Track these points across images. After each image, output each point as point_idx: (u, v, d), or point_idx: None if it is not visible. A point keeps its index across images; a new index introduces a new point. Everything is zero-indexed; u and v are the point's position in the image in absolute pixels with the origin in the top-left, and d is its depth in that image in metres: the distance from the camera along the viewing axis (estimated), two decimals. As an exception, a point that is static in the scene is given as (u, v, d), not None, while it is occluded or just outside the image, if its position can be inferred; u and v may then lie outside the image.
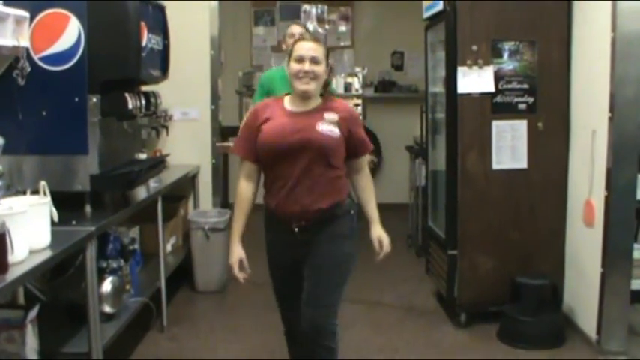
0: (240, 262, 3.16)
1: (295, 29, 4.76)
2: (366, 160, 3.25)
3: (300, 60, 3.00)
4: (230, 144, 5.27)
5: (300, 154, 2.97)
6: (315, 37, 3.20)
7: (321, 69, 3.03)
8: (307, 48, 3.02)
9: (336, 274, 3.14)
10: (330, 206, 3.05)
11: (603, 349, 4.22)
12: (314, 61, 3.00)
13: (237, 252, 3.16)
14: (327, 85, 3.18)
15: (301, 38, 3.17)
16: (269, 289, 3.39)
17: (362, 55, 8.97)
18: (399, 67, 9.12)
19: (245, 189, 3.16)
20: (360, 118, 8.17)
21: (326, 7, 9.05)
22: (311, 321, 3.10)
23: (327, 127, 2.99)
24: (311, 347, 3.13)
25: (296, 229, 3.06)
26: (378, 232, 3.29)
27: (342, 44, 9.10)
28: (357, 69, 8.64)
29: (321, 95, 3.15)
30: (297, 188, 2.99)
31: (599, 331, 4.25)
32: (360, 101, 8.42)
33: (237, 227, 3.17)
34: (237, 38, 8.75)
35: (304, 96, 3.05)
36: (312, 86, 3.01)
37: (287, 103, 3.13)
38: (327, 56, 3.09)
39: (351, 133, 3.08)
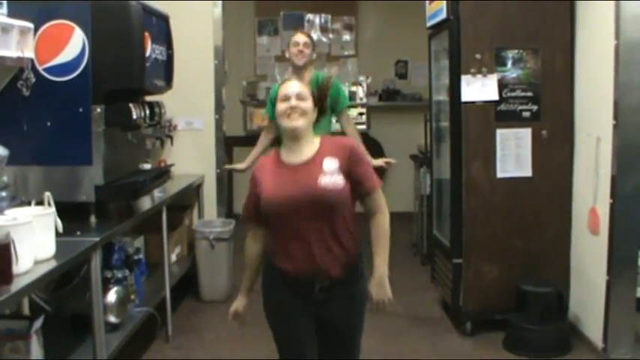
0: (236, 313, 3.16)
1: (299, 37, 4.76)
2: (380, 199, 2.94)
3: (286, 98, 2.88)
4: (237, 166, 5.28)
5: (306, 213, 2.80)
6: (299, 79, 3.10)
7: (308, 105, 2.89)
8: (291, 85, 2.92)
9: (357, 343, 3.14)
10: (349, 262, 2.91)
11: (609, 357, 4.20)
12: (300, 97, 2.87)
13: (239, 303, 3.15)
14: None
15: (286, 79, 3.06)
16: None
17: (366, 64, 8.99)
18: (402, 76, 9.13)
19: (252, 249, 3.09)
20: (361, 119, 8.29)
21: (330, 17, 9.08)
22: None
23: (330, 178, 2.81)
24: None
25: (317, 287, 2.88)
26: (375, 292, 2.96)
27: (346, 53, 9.13)
28: (361, 78, 8.67)
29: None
30: (311, 248, 2.83)
31: (605, 339, 4.23)
32: (364, 110, 8.45)
33: (246, 281, 3.15)
34: (241, 48, 8.77)
35: (295, 135, 2.88)
36: (301, 122, 2.85)
37: (283, 154, 2.96)
38: (314, 96, 2.95)
39: (354, 173, 2.88)
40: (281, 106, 2.89)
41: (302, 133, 2.89)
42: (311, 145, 2.92)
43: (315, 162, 2.87)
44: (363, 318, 3.12)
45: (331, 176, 2.81)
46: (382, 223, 2.95)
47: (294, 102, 2.86)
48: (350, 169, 2.86)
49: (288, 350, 3.10)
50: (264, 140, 5.05)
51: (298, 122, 2.86)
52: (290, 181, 2.85)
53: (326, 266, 2.85)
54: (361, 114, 8.43)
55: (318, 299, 2.91)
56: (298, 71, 4.80)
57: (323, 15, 9.08)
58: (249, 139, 8.54)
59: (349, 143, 2.97)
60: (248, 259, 3.11)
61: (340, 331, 3.03)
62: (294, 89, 2.90)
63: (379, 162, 4.95)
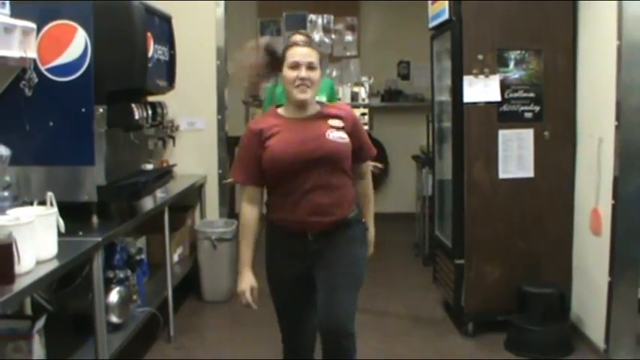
0: (252, 290, 3.02)
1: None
2: (369, 166, 3.22)
3: (296, 66, 2.87)
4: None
5: (313, 164, 2.86)
6: (308, 42, 3.00)
7: (317, 75, 2.91)
8: (303, 53, 2.89)
9: (354, 276, 3.04)
10: (345, 213, 2.98)
11: (611, 358, 4.19)
12: (310, 66, 2.87)
13: (249, 279, 3.02)
14: None
15: (295, 43, 2.98)
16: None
17: (368, 64, 8.98)
18: (405, 77, 9.12)
19: (250, 213, 3.01)
20: (363, 120, 8.27)
21: (332, 17, 9.07)
22: (334, 325, 2.98)
23: (337, 133, 2.90)
24: (333, 350, 3.03)
25: (310, 238, 2.94)
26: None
27: (349, 54, 9.12)
28: (364, 78, 8.66)
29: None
30: (311, 199, 2.89)
31: (607, 340, 4.23)
32: (366, 110, 8.43)
33: (247, 253, 3.03)
34: (244, 48, 8.74)
35: (301, 105, 2.94)
36: (309, 94, 2.89)
37: (284, 113, 3.01)
38: (321, 61, 2.96)
39: (356, 138, 3.00)
40: (290, 74, 2.89)
41: (309, 103, 2.96)
42: (314, 107, 3.00)
43: (319, 117, 2.96)
44: (363, 263, 3.11)
45: (337, 131, 2.90)
46: (370, 186, 3.21)
47: (304, 73, 2.87)
48: (353, 132, 2.97)
49: (285, 312, 3.18)
50: None
51: (307, 94, 2.90)
52: (298, 135, 2.90)
53: (325, 215, 2.91)
54: (363, 114, 8.39)
55: (314, 249, 2.95)
56: None
57: (325, 15, 9.07)
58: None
59: (352, 110, 3.09)
60: (246, 224, 3.01)
61: (338, 272, 2.99)
62: (306, 58, 2.89)
63: None
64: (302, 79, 2.86)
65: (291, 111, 2.99)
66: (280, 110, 3.03)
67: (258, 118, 3.11)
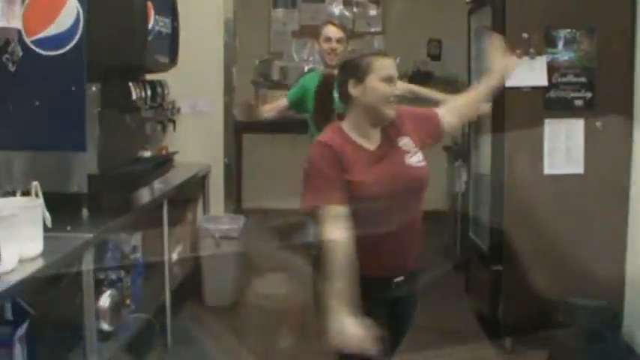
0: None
1: (331, 32, 4.65)
2: None
3: (391, 80, 2.84)
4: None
5: (400, 198, 2.81)
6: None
7: None
8: (392, 66, 2.91)
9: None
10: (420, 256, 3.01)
11: (669, 381, 4.16)
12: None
13: (352, 328, 2.49)
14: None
15: (380, 54, 2.97)
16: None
17: (394, 42, 8.91)
18: (435, 57, 9.07)
19: (341, 239, 2.60)
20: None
21: (354, -12, 9.05)
22: None
23: (412, 158, 2.90)
24: None
25: (394, 286, 2.90)
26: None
27: (372, 30, 9.09)
28: (389, 58, 8.60)
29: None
30: (399, 236, 2.84)
31: (664, 362, 4.19)
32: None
33: (343, 292, 2.54)
34: (254, 22, 8.74)
35: (384, 122, 2.87)
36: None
37: (355, 137, 2.86)
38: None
39: (423, 128, 3.07)
40: (386, 89, 2.83)
41: None
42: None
43: (388, 142, 2.91)
44: None
45: (412, 155, 2.91)
46: None
47: (398, 91, 2.89)
48: (419, 129, 3.03)
49: None
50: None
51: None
52: (381, 168, 2.83)
53: (410, 257, 2.97)
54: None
55: (391, 297, 2.92)
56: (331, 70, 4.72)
57: (346, -14, 9.06)
58: (262, 125, 8.53)
59: (399, 110, 2.96)
60: (336, 255, 2.58)
61: (401, 329, 3.07)
62: (395, 71, 2.92)
63: None
64: (396, 95, 2.86)
65: (361, 134, 2.87)
66: (351, 133, 2.88)
67: (333, 135, 2.86)
